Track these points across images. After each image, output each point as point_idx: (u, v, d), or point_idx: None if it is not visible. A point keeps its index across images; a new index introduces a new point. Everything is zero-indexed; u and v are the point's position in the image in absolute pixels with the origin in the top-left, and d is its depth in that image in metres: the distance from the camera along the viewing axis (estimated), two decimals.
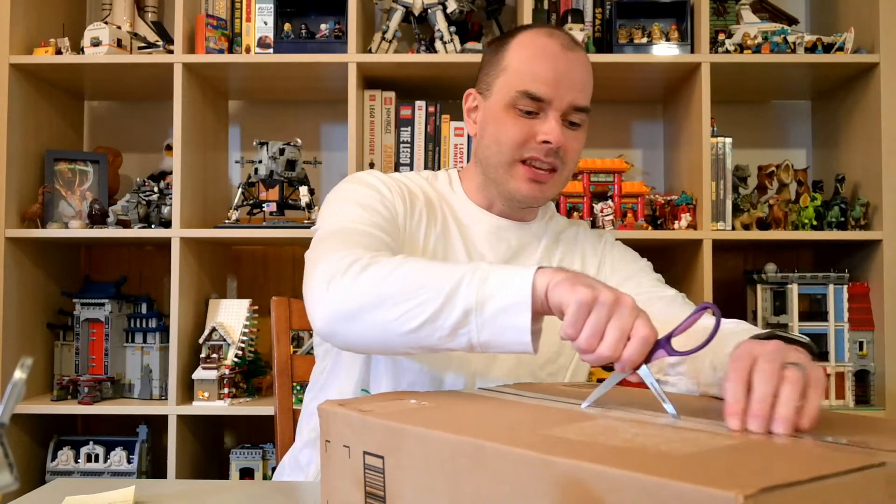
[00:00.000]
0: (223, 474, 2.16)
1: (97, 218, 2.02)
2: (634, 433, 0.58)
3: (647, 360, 0.75)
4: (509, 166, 1.15)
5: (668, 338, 0.76)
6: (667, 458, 0.51)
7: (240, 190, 2.07)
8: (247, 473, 2.06)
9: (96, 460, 2.05)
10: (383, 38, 2.07)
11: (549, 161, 1.13)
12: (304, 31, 2.06)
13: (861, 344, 1.99)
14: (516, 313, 0.81)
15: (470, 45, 2.06)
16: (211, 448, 2.20)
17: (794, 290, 2.01)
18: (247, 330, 2.04)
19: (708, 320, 0.90)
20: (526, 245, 1.22)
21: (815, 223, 2.02)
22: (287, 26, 2.06)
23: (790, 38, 2.00)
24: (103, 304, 2.07)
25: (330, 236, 1.03)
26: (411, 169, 2.05)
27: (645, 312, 0.77)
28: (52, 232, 2.02)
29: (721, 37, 2.03)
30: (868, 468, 0.48)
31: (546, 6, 2.13)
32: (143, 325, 2.10)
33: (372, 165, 2.06)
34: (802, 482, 0.44)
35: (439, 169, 2.02)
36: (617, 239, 1.33)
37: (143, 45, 2.06)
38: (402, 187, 1.17)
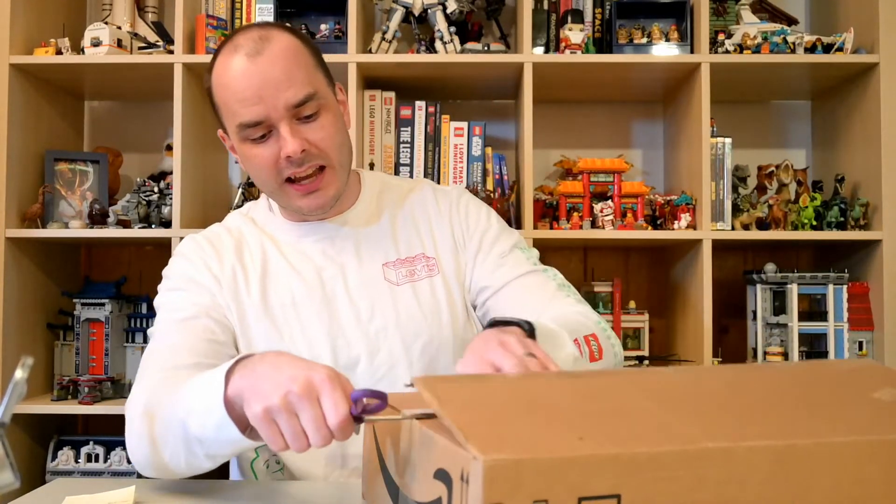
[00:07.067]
0: (223, 474, 2.16)
1: (97, 218, 2.02)
2: None
3: (359, 419, 0.75)
4: (279, 190, 1.13)
5: (362, 394, 0.76)
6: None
7: (240, 190, 2.07)
8: None
9: (96, 460, 2.05)
10: (383, 39, 2.07)
11: (307, 167, 1.10)
12: (304, 32, 2.06)
13: (861, 344, 1.99)
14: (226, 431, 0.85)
15: (470, 45, 2.06)
16: None
17: (793, 290, 2.01)
18: None
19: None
20: (359, 233, 1.20)
21: (814, 223, 2.02)
22: None
23: (790, 39, 2.00)
24: (103, 304, 2.07)
25: (145, 358, 1.10)
26: (411, 169, 2.06)
27: (327, 377, 0.77)
28: (53, 232, 2.01)
29: (721, 37, 2.03)
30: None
31: (546, 6, 2.13)
32: (144, 325, 2.10)
33: (372, 166, 2.05)
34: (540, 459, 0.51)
35: (438, 168, 2.04)
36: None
37: (144, 45, 2.06)
38: (207, 255, 1.17)
